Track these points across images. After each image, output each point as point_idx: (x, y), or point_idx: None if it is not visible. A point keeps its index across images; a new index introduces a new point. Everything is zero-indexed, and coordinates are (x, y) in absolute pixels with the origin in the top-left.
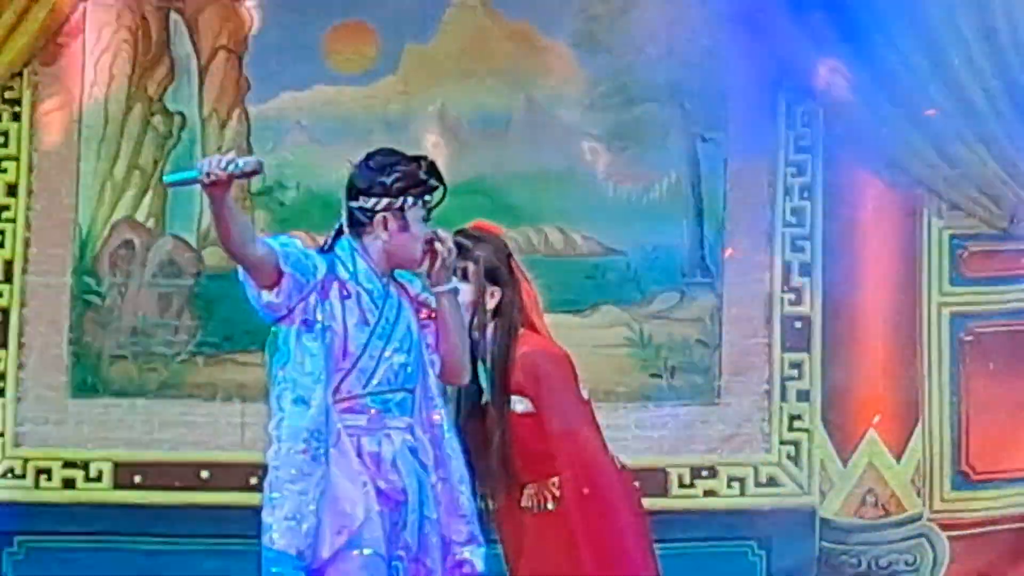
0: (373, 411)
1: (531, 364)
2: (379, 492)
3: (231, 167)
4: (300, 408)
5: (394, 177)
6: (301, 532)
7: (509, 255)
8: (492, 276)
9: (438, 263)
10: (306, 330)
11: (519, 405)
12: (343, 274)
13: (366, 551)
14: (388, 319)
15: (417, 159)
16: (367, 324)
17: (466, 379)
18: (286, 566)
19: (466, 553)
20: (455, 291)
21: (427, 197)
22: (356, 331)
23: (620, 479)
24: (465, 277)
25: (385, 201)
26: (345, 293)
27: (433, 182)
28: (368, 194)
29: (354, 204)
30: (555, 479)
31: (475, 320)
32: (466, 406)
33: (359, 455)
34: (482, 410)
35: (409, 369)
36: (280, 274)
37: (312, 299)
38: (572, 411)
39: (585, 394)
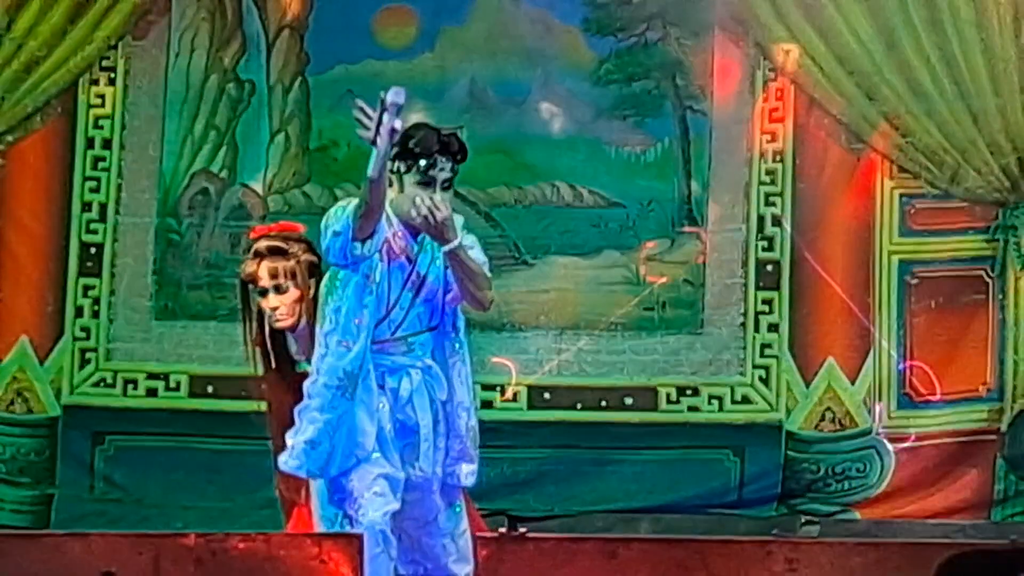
0: (398, 353)
1: None
2: (396, 422)
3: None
4: (342, 351)
5: (398, 145)
6: (315, 455)
7: (313, 246)
8: (312, 270)
9: (423, 225)
10: (364, 284)
11: None
12: (388, 232)
13: (377, 470)
14: (419, 272)
15: (429, 130)
16: (400, 278)
17: (484, 307)
18: None
19: (459, 467)
20: (456, 247)
21: (420, 163)
22: (394, 287)
23: None
24: (293, 277)
25: (392, 164)
26: (393, 254)
27: (423, 151)
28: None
29: None
30: None
31: (303, 313)
32: (292, 382)
33: (381, 389)
34: (302, 376)
35: (435, 311)
36: (375, 232)
37: (376, 257)
38: None
39: None
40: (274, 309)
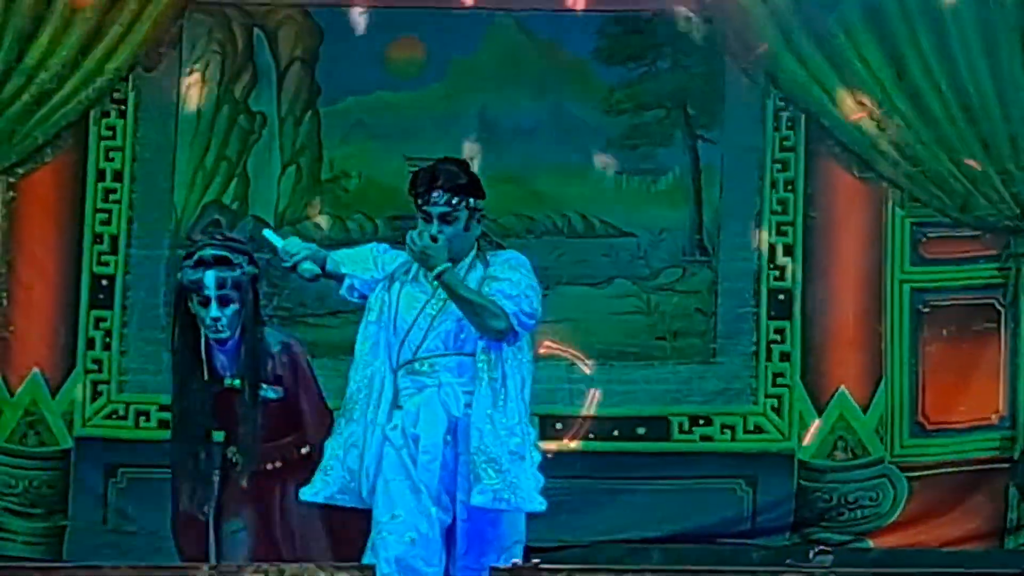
0: (422, 374)
1: (290, 358)
2: (410, 436)
3: (298, 268)
4: (350, 376)
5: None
6: (330, 479)
7: (255, 258)
8: (253, 283)
9: (417, 257)
10: (368, 314)
11: (271, 393)
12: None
13: (393, 480)
14: (442, 295)
15: (430, 167)
16: (419, 302)
17: (494, 335)
18: None
19: (473, 486)
20: (441, 275)
21: (419, 201)
22: (409, 309)
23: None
24: (238, 288)
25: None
26: (406, 279)
27: (415, 189)
28: None
29: None
30: (287, 440)
31: (243, 321)
32: (220, 397)
33: (400, 409)
34: (229, 391)
35: (463, 336)
36: (343, 276)
37: (377, 288)
38: (316, 390)
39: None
40: (215, 320)
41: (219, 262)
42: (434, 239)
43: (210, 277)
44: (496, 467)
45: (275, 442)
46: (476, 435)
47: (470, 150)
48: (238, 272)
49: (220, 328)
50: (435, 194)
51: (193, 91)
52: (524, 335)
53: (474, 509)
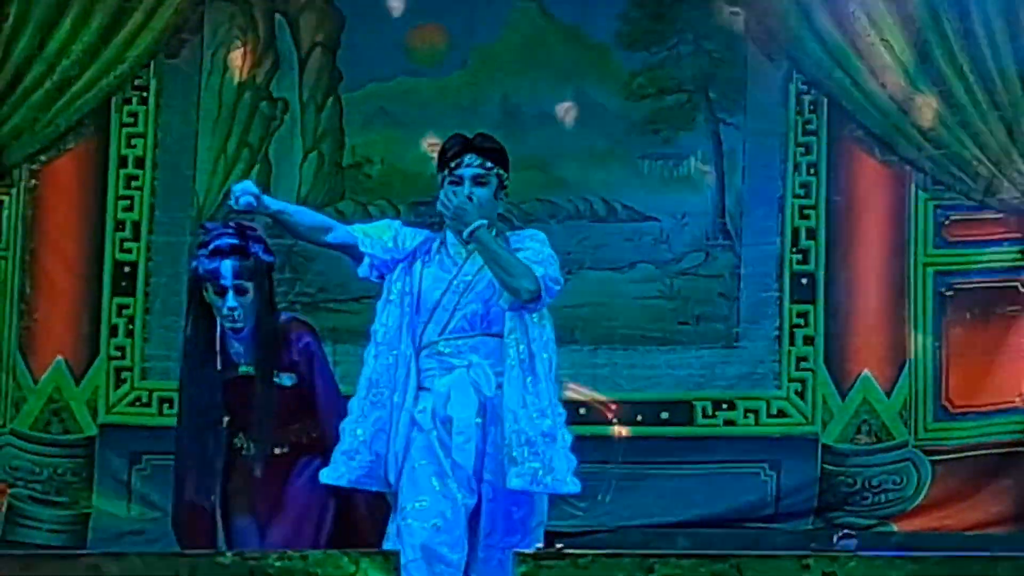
0: (447, 354)
1: (305, 345)
2: (441, 421)
3: (239, 201)
4: (370, 360)
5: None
6: (355, 464)
7: (269, 246)
8: (268, 271)
9: (445, 217)
10: (388, 295)
11: (287, 380)
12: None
13: (419, 465)
14: (467, 274)
15: (458, 136)
16: (444, 282)
17: (524, 295)
18: None
19: (508, 470)
20: (476, 231)
21: (451, 164)
22: (433, 289)
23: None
24: (253, 278)
25: (438, 178)
26: (428, 258)
27: (448, 153)
28: None
29: None
30: (297, 425)
31: (259, 310)
32: (232, 384)
33: (427, 391)
34: (243, 379)
35: (489, 316)
36: (362, 255)
37: (397, 270)
38: (330, 377)
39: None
40: (232, 310)
41: (235, 251)
42: (468, 199)
43: (227, 267)
44: (532, 449)
45: (286, 427)
46: (510, 417)
47: None
48: (254, 260)
49: (237, 318)
50: (468, 157)
51: (214, 77)
52: (546, 312)
53: (501, 490)
